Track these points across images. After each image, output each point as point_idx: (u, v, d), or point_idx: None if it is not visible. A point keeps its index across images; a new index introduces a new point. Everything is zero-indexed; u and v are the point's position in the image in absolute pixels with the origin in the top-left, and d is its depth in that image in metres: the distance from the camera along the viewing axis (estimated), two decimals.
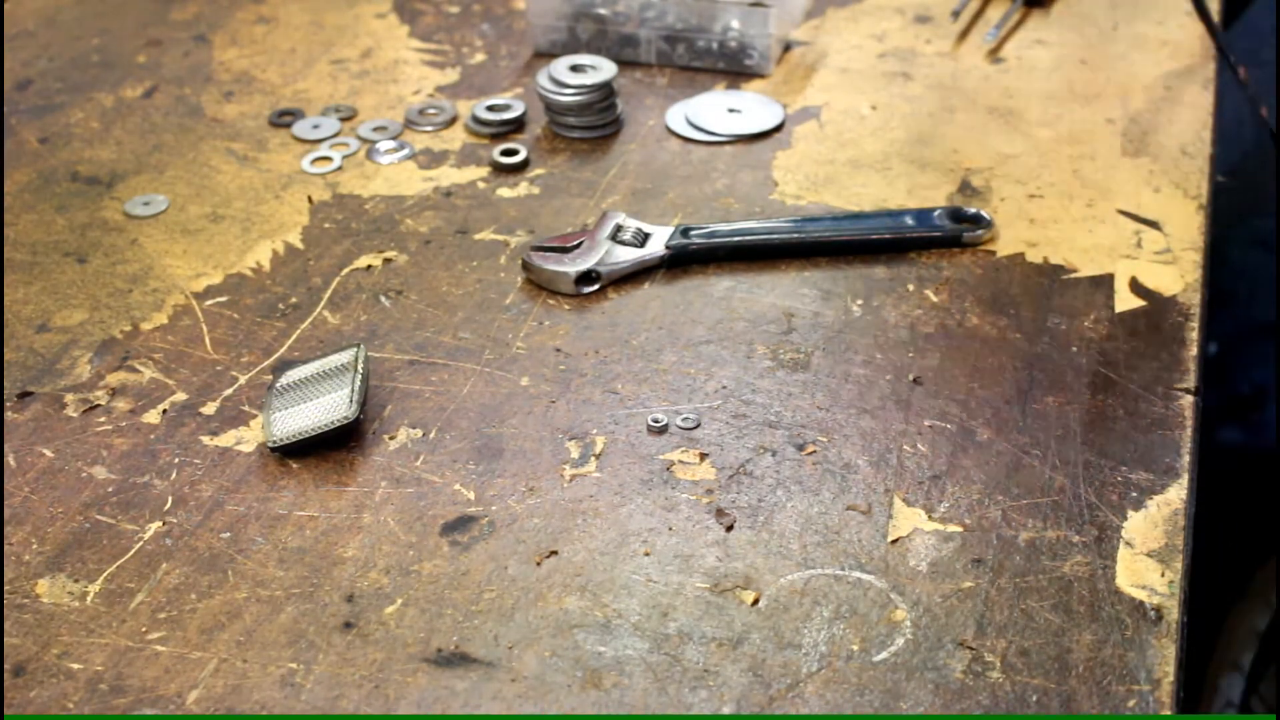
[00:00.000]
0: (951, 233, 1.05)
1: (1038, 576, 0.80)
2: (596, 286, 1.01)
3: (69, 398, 0.93)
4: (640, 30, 1.27)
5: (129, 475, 0.87)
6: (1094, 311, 0.97)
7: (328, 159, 1.16)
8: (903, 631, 0.77)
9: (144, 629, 0.78)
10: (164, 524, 0.84)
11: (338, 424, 0.87)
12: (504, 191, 1.12)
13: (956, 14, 1.33)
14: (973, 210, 1.06)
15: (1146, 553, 0.81)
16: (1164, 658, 0.75)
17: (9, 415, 0.92)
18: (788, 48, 1.29)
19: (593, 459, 0.88)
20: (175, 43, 1.33)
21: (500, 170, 1.14)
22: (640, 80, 1.26)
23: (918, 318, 0.98)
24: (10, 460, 0.88)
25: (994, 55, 1.28)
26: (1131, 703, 0.73)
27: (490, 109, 1.20)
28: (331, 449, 0.89)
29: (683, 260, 1.04)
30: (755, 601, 0.79)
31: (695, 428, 0.89)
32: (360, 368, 0.90)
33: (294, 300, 1.01)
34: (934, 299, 0.99)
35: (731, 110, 1.20)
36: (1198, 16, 1.15)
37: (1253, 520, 1.25)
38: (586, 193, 1.12)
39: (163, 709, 0.74)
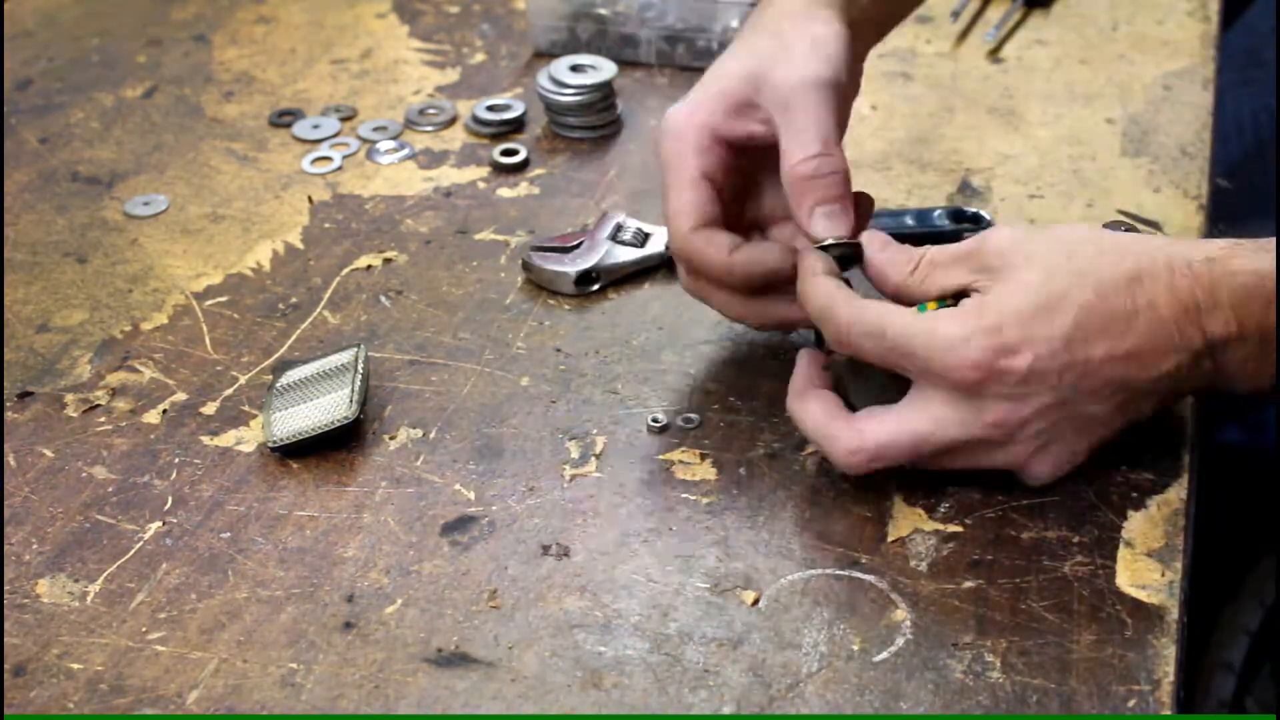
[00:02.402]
0: (951, 232, 1.05)
1: (1038, 576, 0.80)
2: (596, 286, 1.01)
3: (69, 398, 0.93)
4: (640, 30, 1.27)
5: (129, 475, 0.87)
6: None
7: (328, 159, 1.16)
8: (903, 631, 0.77)
9: (144, 629, 0.78)
10: (164, 524, 0.84)
11: (338, 424, 0.87)
12: (504, 191, 1.12)
13: (956, 14, 1.33)
14: (973, 210, 1.06)
15: (1146, 553, 0.81)
16: (1164, 658, 0.75)
17: (9, 415, 0.92)
18: None
19: (593, 459, 0.88)
20: (175, 43, 1.33)
21: (500, 170, 1.14)
22: (640, 80, 1.26)
23: None
24: (10, 460, 0.88)
25: (994, 55, 1.28)
26: (1131, 703, 0.73)
27: (490, 109, 1.20)
28: (331, 449, 0.89)
29: None
30: (755, 601, 0.79)
31: (697, 426, 0.89)
32: (360, 368, 0.90)
33: (294, 300, 1.01)
34: None
35: None
36: None
37: (1250, 519, 1.25)
38: (586, 193, 1.12)
39: (163, 709, 0.74)
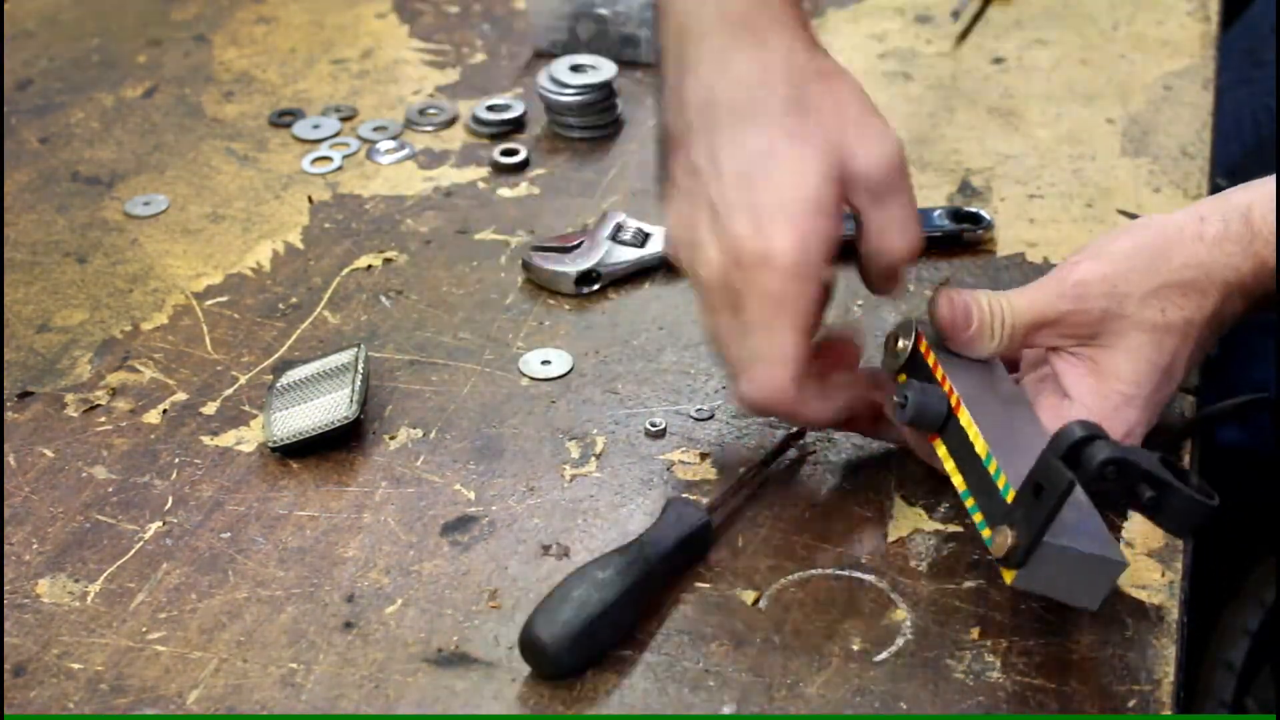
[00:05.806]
0: (951, 232, 1.05)
1: None
2: (596, 286, 1.01)
3: (69, 398, 0.93)
4: (640, 30, 1.26)
5: (129, 475, 0.87)
6: None
7: (328, 159, 1.16)
8: (903, 631, 0.77)
9: (144, 629, 0.78)
10: (164, 524, 0.84)
11: (338, 424, 0.87)
12: (504, 191, 1.12)
13: (956, 14, 1.33)
14: (973, 210, 1.07)
15: (1146, 553, 0.81)
16: (1164, 658, 0.75)
17: (9, 415, 0.92)
18: None
19: (593, 459, 0.88)
20: (175, 43, 1.33)
21: (500, 170, 1.14)
22: (640, 80, 1.26)
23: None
24: (10, 460, 0.88)
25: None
26: (1131, 703, 0.73)
27: (490, 109, 1.20)
28: (331, 449, 0.89)
29: None
30: (755, 601, 0.79)
31: (709, 418, 0.89)
32: (360, 368, 0.90)
33: (294, 300, 1.01)
34: None
35: None
36: None
37: (1250, 519, 1.25)
38: (586, 193, 1.12)
39: (163, 709, 0.74)
